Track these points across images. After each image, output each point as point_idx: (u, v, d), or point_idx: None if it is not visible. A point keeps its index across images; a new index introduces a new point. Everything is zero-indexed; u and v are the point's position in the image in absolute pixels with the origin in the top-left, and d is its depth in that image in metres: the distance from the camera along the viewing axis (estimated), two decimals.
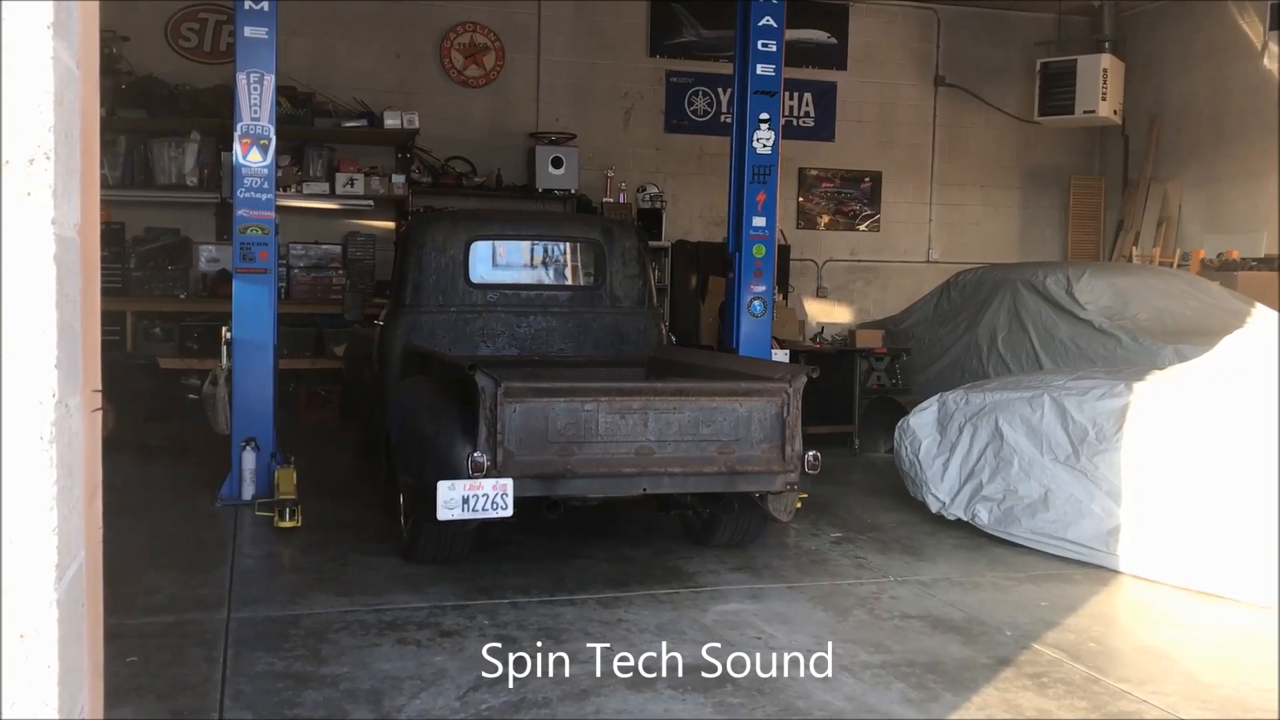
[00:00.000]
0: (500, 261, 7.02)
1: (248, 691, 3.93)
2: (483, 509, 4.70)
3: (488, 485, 4.72)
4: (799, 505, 5.63)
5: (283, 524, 6.22)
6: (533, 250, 7.14)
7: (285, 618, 4.77)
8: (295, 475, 6.63)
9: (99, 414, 1.63)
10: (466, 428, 4.89)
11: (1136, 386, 5.94)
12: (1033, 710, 3.88)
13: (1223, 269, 11.04)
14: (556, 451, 4.88)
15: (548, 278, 7.17)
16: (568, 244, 7.18)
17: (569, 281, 7.16)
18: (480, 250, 6.81)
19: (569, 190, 11.22)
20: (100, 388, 1.64)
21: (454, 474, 4.79)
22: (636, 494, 5.16)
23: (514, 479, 4.79)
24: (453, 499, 4.68)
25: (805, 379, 5.21)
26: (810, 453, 5.19)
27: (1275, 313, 9.04)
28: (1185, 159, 12.52)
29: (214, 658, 4.25)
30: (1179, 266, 11.50)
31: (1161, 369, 6.56)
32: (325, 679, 4.05)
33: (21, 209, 1.34)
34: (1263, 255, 11.10)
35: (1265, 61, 11.37)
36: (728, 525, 5.82)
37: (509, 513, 4.75)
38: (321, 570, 5.52)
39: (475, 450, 4.77)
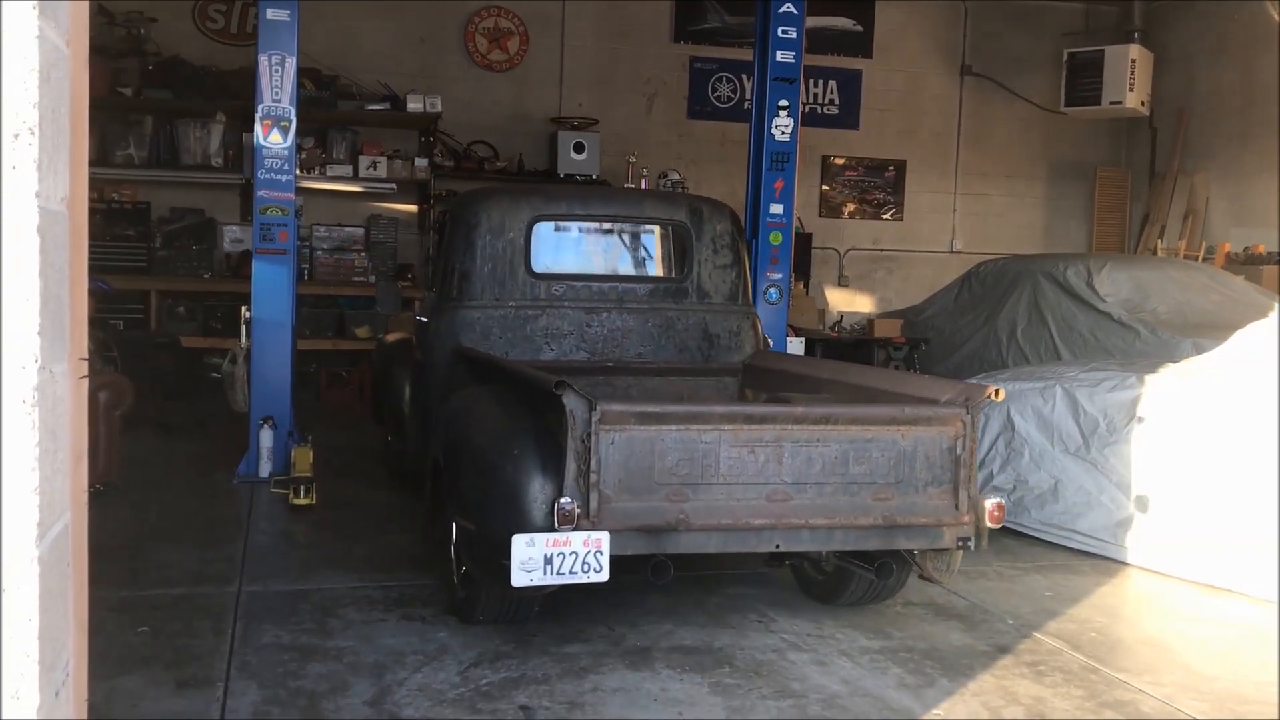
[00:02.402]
0: (568, 247, 6.00)
1: (253, 663, 4.01)
2: (570, 571, 3.66)
3: (577, 541, 3.66)
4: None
5: (297, 501, 6.30)
6: (606, 234, 6.07)
7: (295, 592, 4.86)
8: (311, 454, 6.71)
9: (85, 382, 1.69)
10: (547, 462, 3.81)
11: (1148, 379, 5.93)
12: (1028, 698, 3.90)
13: (1248, 263, 10.97)
14: (666, 496, 3.81)
15: (624, 267, 6.10)
16: (648, 227, 6.05)
17: (649, 272, 6.08)
18: (544, 233, 5.75)
19: (590, 176, 11.25)
20: (87, 356, 1.69)
21: (531, 524, 3.75)
22: (766, 551, 4.12)
23: (611, 532, 3.72)
24: (532, 559, 3.64)
25: (986, 401, 4.10)
26: (992, 500, 4.06)
27: None
28: (1212, 152, 12.41)
29: (222, 630, 4.34)
30: (1204, 260, 11.42)
31: (1176, 362, 6.53)
32: (330, 652, 4.13)
33: (6, 182, 1.40)
34: None
35: None
36: (861, 584, 4.61)
37: (604, 576, 3.69)
38: (333, 547, 5.60)
39: (562, 494, 3.70)
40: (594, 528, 3.70)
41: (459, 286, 5.57)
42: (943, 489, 4.05)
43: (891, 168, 13.24)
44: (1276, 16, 11.43)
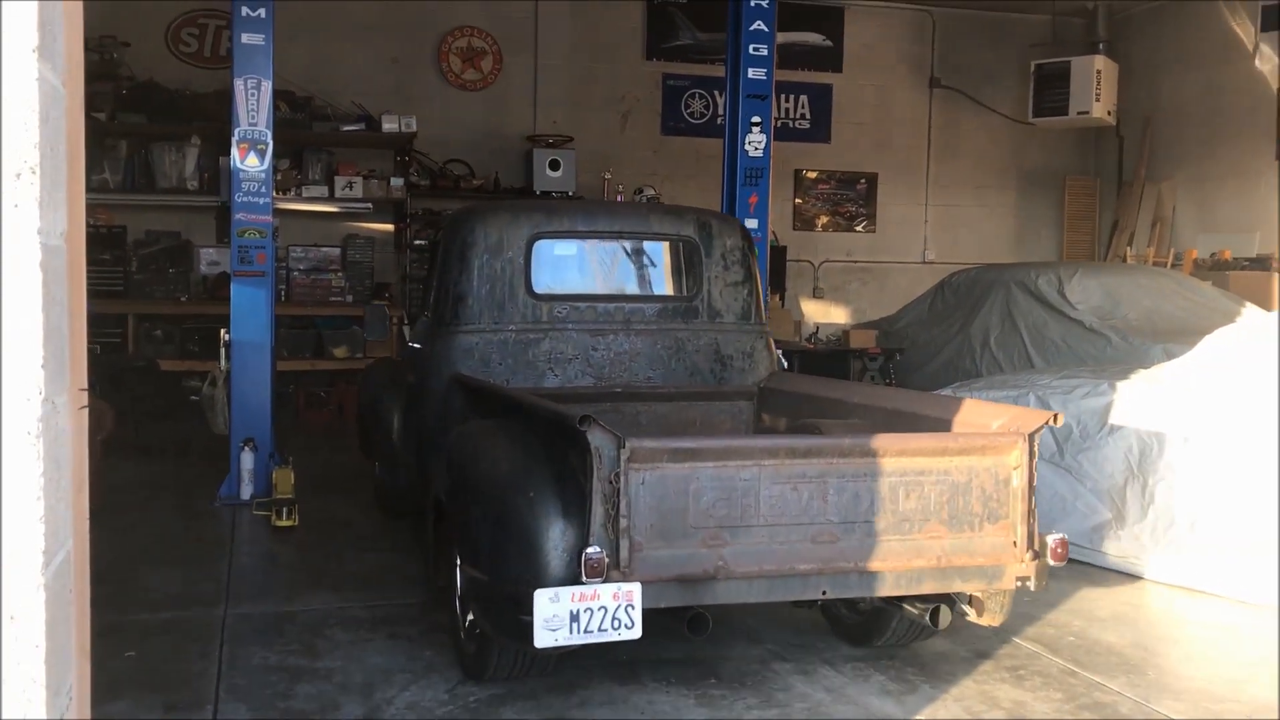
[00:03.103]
0: (570, 266, 5.66)
1: (242, 685, 4.03)
2: (599, 629, 3.31)
3: (606, 594, 3.31)
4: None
5: (280, 523, 6.32)
6: (611, 251, 5.71)
7: (281, 614, 4.88)
8: (293, 475, 6.72)
9: (85, 411, 1.73)
10: (567, 506, 3.47)
11: (1120, 385, 6.03)
12: (1009, 702, 3.97)
13: (1215, 269, 11.13)
14: (702, 541, 3.46)
15: (630, 286, 5.73)
16: (655, 243, 5.68)
17: (656, 291, 5.71)
18: (545, 251, 5.42)
19: (567, 193, 11.31)
20: (87, 387, 1.74)
21: (551, 575, 3.40)
22: (813, 599, 3.80)
23: (643, 583, 3.37)
24: (557, 616, 3.28)
25: (1044, 427, 3.76)
26: (1055, 536, 3.75)
27: (1266, 312, 9.11)
28: (1179, 160, 12.59)
29: (210, 652, 4.36)
30: (1173, 266, 11.58)
31: (1148, 368, 6.64)
32: (318, 672, 4.15)
33: (9, 220, 1.44)
34: (1255, 255, 11.18)
35: (1257, 62, 11.44)
36: (901, 625, 4.25)
37: (636, 633, 3.36)
38: (317, 568, 5.63)
39: (588, 542, 3.33)
40: (624, 579, 3.35)
41: (455, 310, 5.23)
42: (999, 524, 3.72)
43: (863, 180, 13.36)
44: (1242, 31, 11.63)
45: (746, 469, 3.51)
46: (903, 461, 3.64)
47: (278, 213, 7.21)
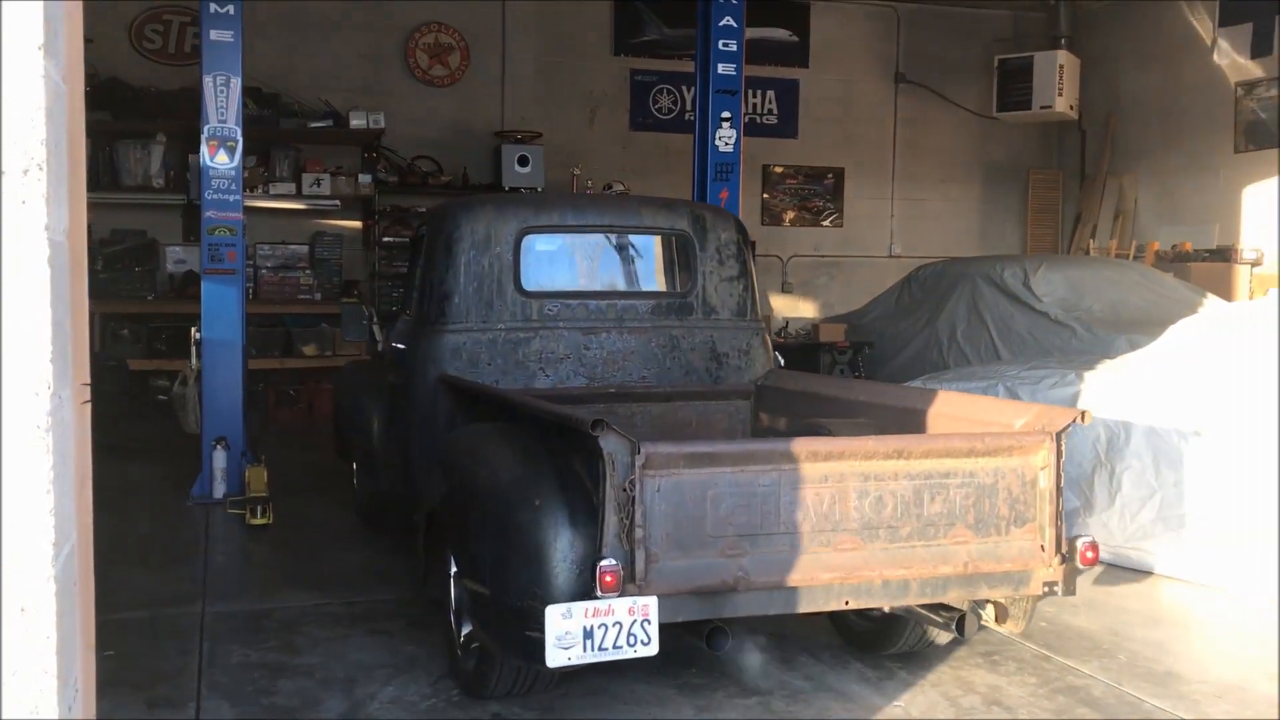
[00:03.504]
0: (561, 261, 5.50)
1: (224, 682, 4.03)
2: (614, 646, 3.14)
3: (621, 609, 3.14)
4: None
5: (254, 521, 6.30)
6: (602, 246, 5.53)
7: (259, 611, 4.87)
8: (266, 473, 6.71)
9: (88, 406, 1.75)
10: (576, 515, 3.31)
11: (1087, 375, 6.14)
12: (984, 686, 4.04)
13: (1176, 260, 11.31)
14: (721, 550, 3.29)
15: (622, 283, 5.55)
16: (648, 237, 5.53)
17: (650, 287, 5.56)
18: (534, 246, 5.24)
19: (535, 188, 11.33)
20: (89, 381, 1.75)
21: (559, 589, 3.23)
22: (836, 609, 3.59)
23: (659, 597, 3.19)
24: (570, 634, 3.12)
25: (1072, 425, 3.61)
26: (1084, 539, 3.58)
27: (1227, 303, 9.28)
28: (1140, 154, 12.78)
29: (189, 650, 4.35)
30: (1135, 258, 11.76)
31: (1113, 358, 6.76)
32: (299, 669, 4.16)
33: (17, 216, 1.46)
34: (1214, 247, 11.38)
35: (1215, 57, 11.63)
36: (915, 632, 4.12)
37: (653, 649, 3.18)
38: (293, 565, 5.62)
39: (602, 554, 3.16)
40: (640, 592, 3.16)
41: (441, 308, 5.02)
42: (1026, 527, 3.56)
43: (830, 175, 13.46)
44: (1200, 27, 11.82)
45: (767, 473, 3.33)
46: (928, 463, 3.48)
47: (245, 210, 7.17)
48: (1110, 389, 5.95)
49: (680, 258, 5.44)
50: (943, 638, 4.12)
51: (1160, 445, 5.55)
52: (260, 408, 10.06)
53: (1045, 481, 3.56)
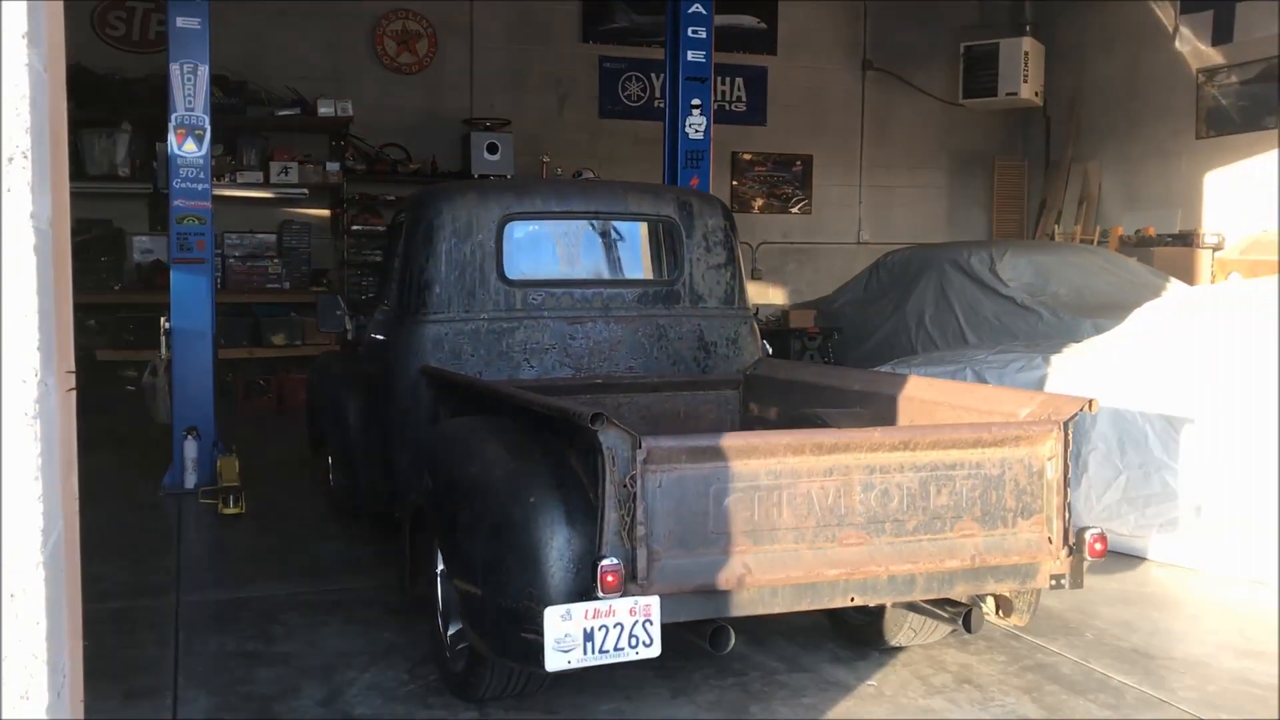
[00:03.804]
0: (545, 249, 5.35)
1: (201, 671, 4.04)
2: (615, 648, 3.04)
3: (623, 610, 3.04)
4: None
5: (227, 511, 6.29)
6: (587, 233, 5.37)
7: (234, 600, 4.87)
8: (238, 463, 6.69)
9: (73, 393, 1.75)
10: (572, 512, 3.20)
11: (1054, 359, 6.22)
12: (955, 665, 4.11)
13: (1140, 245, 11.47)
14: (724, 548, 3.19)
15: (608, 270, 5.39)
16: (633, 224, 5.38)
17: (636, 275, 5.43)
18: (517, 234, 5.11)
19: (505, 176, 11.31)
20: (74, 368, 1.76)
21: (556, 589, 3.12)
22: (842, 606, 3.49)
23: (661, 597, 3.09)
24: (570, 636, 3.01)
25: (1079, 414, 3.52)
26: (1093, 531, 3.50)
27: (1189, 286, 9.42)
28: (1104, 140, 12.92)
29: (165, 640, 4.35)
30: (1099, 243, 11.90)
31: (1078, 342, 6.85)
32: (277, 657, 4.17)
33: (4, 204, 1.46)
34: (1177, 231, 11.54)
35: (1176, 45, 11.78)
36: (914, 625, 4.07)
37: (655, 651, 3.10)
38: (267, 554, 5.62)
39: (603, 553, 3.04)
40: (642, 592, 3.05)
41: (421, 298, 4.89)
42: (1033, 520, 3.48)
43: (799, 162, 13.52)
44: (1162, 14, 11.95)
45: (770, 467, 3.22)
46: (934, 454, 3.38)
47: (212, 199, 7.12)
48: (1076, 372, 6.04)
49: (667, 245, 5.33)
50: (940, 631, 4.07)
51: (1125, 427, 5.63)
52: (230, 397, 10.02)
53: (1052, 472, 3.48)
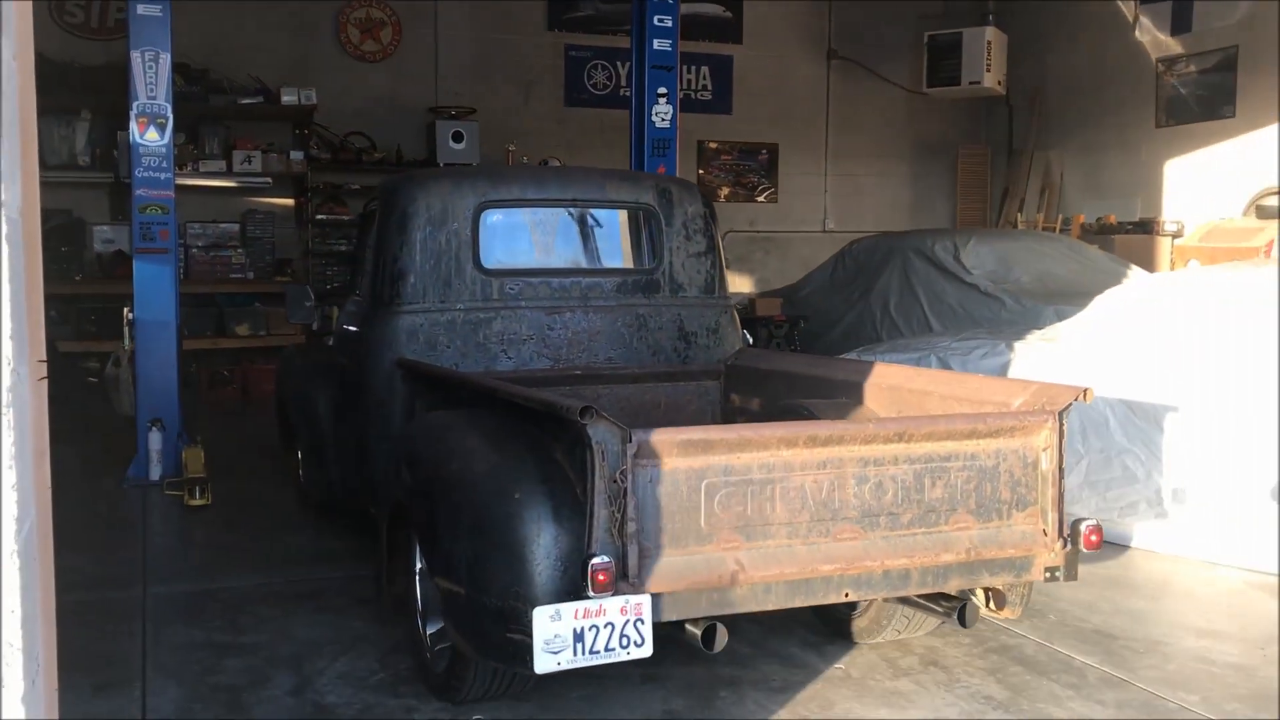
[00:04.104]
0: (522, 237, 5.24)
1: (169, 662, 4.02)
2: (606, 649, 2.96)
3: (614, 609, 2.96)
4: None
5: (193, 502, 6.25)
6: (565, 221, 5.26)
7: (202, 591, 4.85)
8: (203, 454, 6.65)
9: (44, 382, 1.75)
10: (559, 508, 3.10)
11: (1017, 345, 6.30)
12: (921, 647, 4.16)
13: (1101, 233, 11.60)
14: (717, 544, 3.11)
15: (586, 259, 5.28)
16: (612, 211, 5.29)
17: (615, 264, 5.30)
18: (494, 222, 4.99)
19: (470, 165, 11.27)
20: (45, 358, 1.75)
21: (543, 588, 3.03)
22: (836, 602, 3.43)
23: (652, 595, 3.02)
24: (559, 637, 2.94)
25: (1073, 404, 3.48)
26: (1088, 523, 3.46)
27: (1150, 273, 9.55)
28: (1066, 129, 13.06)
29: (133, 632, 4.33)
30: (1061, 231, 12.03)
31: (1041, 329, 6.94)
32: (246, 647, 4.16)
33: None
34: (1137, 219, 11.68)
35: (1137, 34, 11.92)
36: (901, 620, 4.06)
37: (646, 651, 3.01)
38: (234, 545, 5.60)
39: (593, 551, 2.95)
40: (633, 590, 2.97)
41: (395, 288, 4.77)
42: (1028, 512, 3.44)
43: (765, 151, 13.56)
44: (1123, 4, 12.08)
45: (764, 460, 3.14)
46: (929, 446, 3.31)
47: (175, 188, 7.06)
48: (1039, 359, 6.12)
49: (646, 233, 5.24)
50: (928, 625, 4.07)
51: (1087, 412, 5.71)
52: (193, 388, 9.95)
53: (1047, 463, 3.43)
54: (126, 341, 7.12)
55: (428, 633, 3.76)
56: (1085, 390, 3.46)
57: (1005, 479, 3.41)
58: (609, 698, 3.75)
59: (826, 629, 4.29)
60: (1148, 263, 10.52)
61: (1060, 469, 3.42)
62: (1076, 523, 3.45)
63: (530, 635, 2.93)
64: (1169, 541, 5.37)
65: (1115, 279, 9.04)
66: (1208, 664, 4.07)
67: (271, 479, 6.96)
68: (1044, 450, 3.44)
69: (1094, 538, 3.44)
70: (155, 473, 6.82)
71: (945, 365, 6.43)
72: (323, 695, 3.73)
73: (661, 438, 3.04)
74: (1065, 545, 3.45)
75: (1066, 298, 8.58)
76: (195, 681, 3.84)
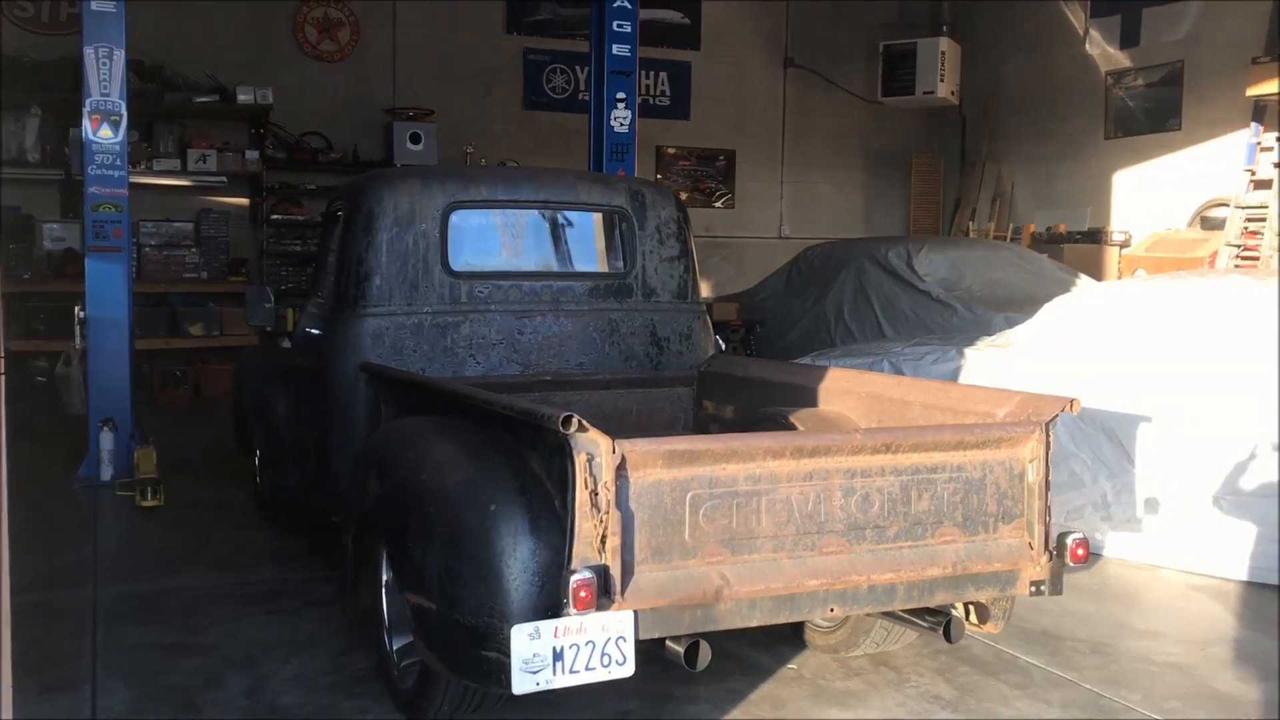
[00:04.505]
0: (491, 239, 5.13)
1: (120, 663, 3.99)
2: (586, 667, 2.85)
3: (595, 626, 2.84)
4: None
5: (145, 503, 6.20)
6: (536, 223, 5.18)
7: (154, 592, 4.82)
8: (155, 455, 6.59)
9: (3, 378, 1.75)
10: (537, 520, 2.99)
11: (967, 351, 6.40)
12: (869, 644, 4.22)
13: (1051, 242, 11.81)
14: (702, 558, 3.00)
15: (558, 262, 5.20)
16: (584, 214, 5.19)
17: (587, 267, 5.22)
18: (463, 223, 4.87)
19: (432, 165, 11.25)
20: (4, 354, 1.76)
21: (520, 604, 2.92)
22: (822, 618, 3.43)
23: (636, 611, 2.90)
24: (538, 656, 2.81)
25: (1059, 415, 3.43)
26: (1074, 536, 3.40)
27: (1097, 282, 9.73)
28: (1017, 139, 13.26)
29: (82, 633, 4.29)
30: (1012, 240, 12.23)
31: (990, 335, 7.05)
32: (199, 648, 4.14)
33: None
34: (1086, 229, 11.90)
35: (1087, 47, 12.14)
36: (880, 634, 4.01)
37: (628, 670, 2.90)
38: (187, 546, 5.56)
39: (573, 566, 2.82)
40: (615, 607, 2.84)
41: (360, 290, 4.62)
42: (1014, 524, 3.37)
43: (722, 157, 13.65)
44: (1074, 18, 12.29)
45: (750, 471, 3.04)
46: (916, 457, 3.24)
47: (128, 186, 6.99)
48: (987, 365, 6.22)
49: (619, 236, 5.15)
50: (906, 638, 4.03)
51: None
52: (145, 388, 9.84)
53: (1033, 475, 3.37)
54: (78, 340, 7.05)
55: (394, 648, 3.64)
56: (1072, 401, 3.42)
57: (992, 491, 3.35)
58: (563, 700, 3.76)
59: (777, 629, 4.34)
60: (1096, 272, 10.73)
61: (1046, 481, 3.37)
62: (1063, 536, 3.39)
63: (506, 653, 2.81)
64: (1113, 546, 5.49)
65: (1064, 287, 9.20)
66: (1149, 663, 4.17)
67: (225, 480, 6.91)
68: (1030, 462, 3.37)
69: (1080, 551, 3.38)
70: (106, 473, 6.75)
71: (897, 370, 6.52)
72: (277, 696, 3.72)
73: (647, 448, 2.92)
74: (1051, 559, 3.40)
75: (1016, 305, 8.73)
76: (147, 682, 3.82)
